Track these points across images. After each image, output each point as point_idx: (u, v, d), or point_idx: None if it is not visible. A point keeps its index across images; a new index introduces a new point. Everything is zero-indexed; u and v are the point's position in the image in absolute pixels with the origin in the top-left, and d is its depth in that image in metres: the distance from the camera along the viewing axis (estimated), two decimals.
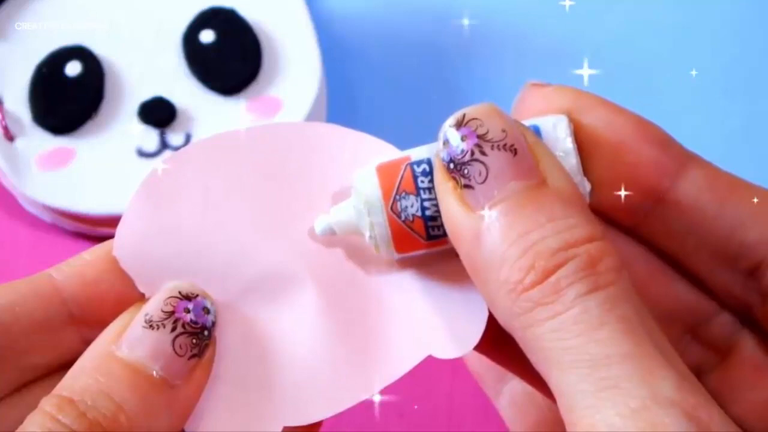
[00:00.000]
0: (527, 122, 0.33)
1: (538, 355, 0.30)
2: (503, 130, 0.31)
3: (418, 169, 0.33)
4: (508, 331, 0.31)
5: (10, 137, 0.55)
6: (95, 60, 0.56)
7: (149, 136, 0.56)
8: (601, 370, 0.29)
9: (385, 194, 0.33)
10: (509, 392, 0.44)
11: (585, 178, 0.33)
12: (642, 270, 0.36)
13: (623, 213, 0.36)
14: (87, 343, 0.33)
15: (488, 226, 0.31)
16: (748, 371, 0.36)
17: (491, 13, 0.60)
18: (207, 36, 0.57)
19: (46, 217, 0.56)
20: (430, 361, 0.49)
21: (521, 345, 0.31)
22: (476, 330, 0.34)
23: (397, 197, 0.33)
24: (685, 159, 0.35)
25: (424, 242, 0.33)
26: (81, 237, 0.56)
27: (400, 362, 0.34)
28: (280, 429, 0.34)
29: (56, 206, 0.54)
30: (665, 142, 0.35)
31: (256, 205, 0.35)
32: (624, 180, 0.35)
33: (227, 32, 0.57)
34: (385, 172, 0.33)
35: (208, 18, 0.57)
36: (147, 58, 0.57)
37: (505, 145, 0.31)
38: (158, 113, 0.56)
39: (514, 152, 0.31)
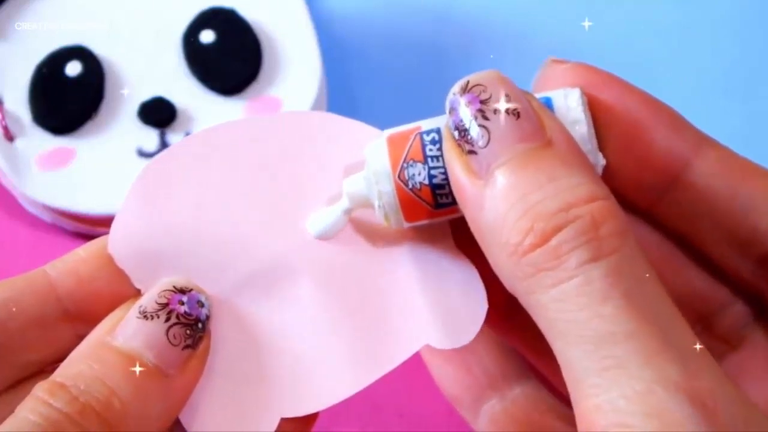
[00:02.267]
0: (539, 95, 0.33)
1: (543, 323, 0.30)
2: (506, 95, 0.31)
3: (428, 138, 0.33)
4: (513, 294, 0.31)
5: (10, 137, 0.55)
6: (95, 60, 0.56)
7: (149, 136, 0.56)
8: (606, 347, 0.28)
9: (394, 163, 0.33)
10: (489, 411, 0.44)
11: (599, 153, 0.33)
12: (655, 256, 0.36)
13: (636, 194, 0.35)
14: (82, 339, 0.33)
15: (490, 190, 0.30)
16: (759, 363, 0.36)
17: (491, 13, 0.60)
18: (207, 36, 0.57)
19: (46, 217, 0.56)
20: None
21: (526, 308, 0.31)
22: (474, 323, 0.34)
23: (405, 165, 0.33)
24: (700, 141, 0.35)
25: (432, 210, 0.33)
26: (81, 237, 0.56)
27: (397, 353, 0.34)
28: (277, 420, 0.34)
29: (56, 206, 0.54)
30: (680, 124, 0.35)
31: (252, 197, 0.35)
32: (638, 159, 0.35)
33: (227, 32, 0.57)
34: (395, 141, 0.33)
35: (208, 18, 0.57)
36: (147, 58, 0.57)
37: (507, 109, 0.31)
38: (158, 113, 0.56)
39: (517, 116, 0.31)
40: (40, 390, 0.31)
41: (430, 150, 0.33)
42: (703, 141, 0.35)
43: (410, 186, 0.33)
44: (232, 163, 0.35)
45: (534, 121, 0.31)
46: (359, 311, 0.35)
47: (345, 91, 0.59)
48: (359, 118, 0.37)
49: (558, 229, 0.29)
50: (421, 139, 0.33)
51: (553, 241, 0.29)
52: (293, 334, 0.35)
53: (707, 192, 0.35)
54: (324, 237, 0.35)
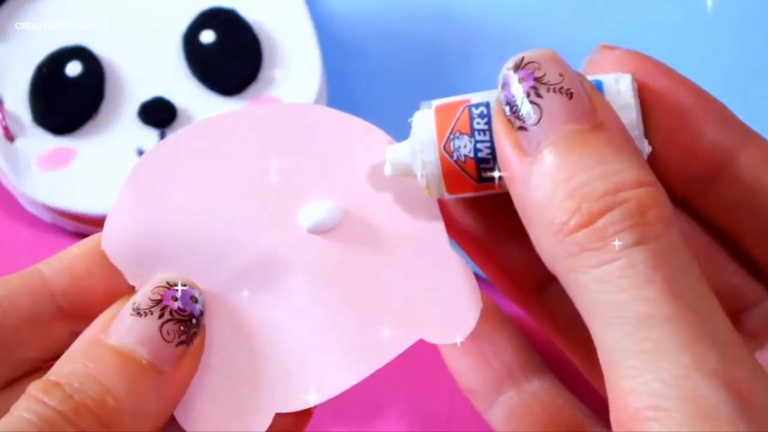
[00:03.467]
0: (590, 78, 0.33)
1: (581, 303, 0.30)
2: (560, 74, 0.31)
3: (476, 111, 0.33)
4: (553, 272, 0.31)
5: (10, 137, 0.55)
6: (95, 60, 0.56)
7: (149, 136, 0.56)
8: (644, 330, 0.29)
9: (440, 133, 0.33)
10: (506, 403, 0.44)
11: (645, 140, 0.33)
12: (692, 246, 0.36)
13: (679, 184, 0.36)
14: (76, 336, 0.33)
15: (538, 168, 0.31)
16: None
17: (491, 12, 0.60)
18: (207, 36, 0.57)
19: (46, 217, 0.56)
20: (430, 361, 0.49)
21: (565, 287, 0.31)
22: (469, 322, 0.34)
23: (451, 137, 0.33)
24: (747, 136, 0.35)
25: (475, 184, 0.33)
26: (81, 237, 0.55)
27: (389, 348, 0.35)
28: (271, 416, 0.34)
29: (56, 206, 0.54)
30: (728, 117, 0.35)
31: (246, 191, 0.35)
32: (684, 149, 0.35)
33: (227, 32, 0.57)
34: (443, 112, 0.33)
35: (208, 18, 0.57)
36: (147, 59, 0.57)
37: (561, 88, 0.31)
38: (158, 113, 0.56)
39: (570, 96, 0.31)
40: (35, 389, 0.31)
41: (478, 123, 0.33)
42: (751, 136, 0.35)
43: (455, 158, 0.33)
44: (225, 157, 0.35)
45: (586, 103, 0.31)
46: (353, 306, 0.35)
47: (345, 91, 0.59)
48: (359, 117, 0.37)
49: (605, 211, 0.30)
50: (470, 111, 0.33)
51: (600, 223, 0.30)
52: (287, 328, 0.35)
53: (752, 187, 0.35)
54: (317, 231, 0.35)
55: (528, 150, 0.31)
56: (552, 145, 0.31)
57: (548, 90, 0.31)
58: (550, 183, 0.30)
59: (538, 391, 0.44)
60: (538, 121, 0.31)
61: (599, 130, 0.31)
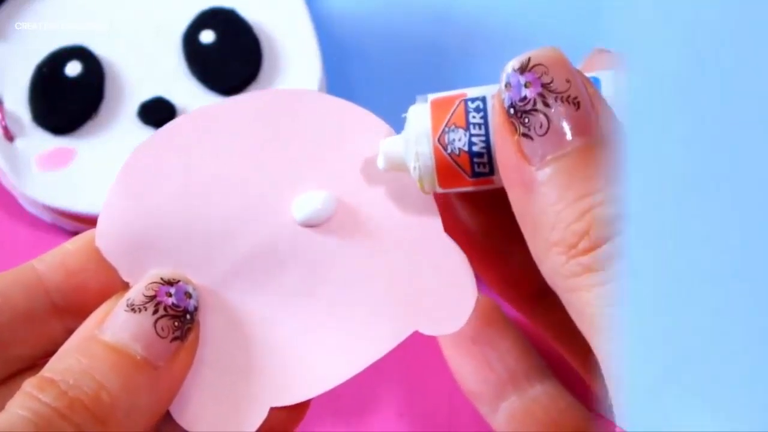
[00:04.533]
0: (588, 75, 0.33)
1: (582, 318, 0.30)
2: (567, 81, 0.31)
3: (472, 105, 0.33)
4: (551, 286, 0.31)
5: (10, 137, 0.55)
6: (95, 60, 0.56)
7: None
8: None
9: (435, 126, 0.33)
10: (509, 407, 0.44)
11: None
12: None
13: None
14: (71, 333, 0.34)
15: (544, 182, 0.30)
16: None
17: (491, 12, 0.60)
18: (207, 36, 0.57)
19: (46, 217, 0.56)
20: (430, 361, 0.49)
21: (563, 302, 0.31)
22: (464, 311, 0.34)
23: (446, 129, 0.33)
24: None
25: (468, 179, 0.33)
26: None
27: (385, 341, 0.35)
28: (267, 410, 0.34)
29: (56, 206, 0.54)
30: None
31: (240, 183, 0.35)
32: None
33: (227, 32, 0.57)
34: (439, 105, 0.33)
35: (208, 18, 0.57)
36: (147, 59, 0.57)
37: (568, 97, 0.31)
38: (158, 113, 0.56)
39: (577, 106, 0.31)
40: (30, 385, 0.31)
41: (474, 117, 0.33)
42: None
43: (449, 150, 0.33)
44: (217, 148, 0.35)
45: (590, 113, 0.31)
46: (347, 298, 0.35)
47: (345, 91, 0.59)
48: None
49: (612, 237, 0.30)
50: (466, 105, 0.33)
51: (605, 247, 0.30)
52: (282, 322, 0.35)
53: None
54: (311, 222, 0.35)
55: (532, 158, 0.31)
56: (560, 161, 0.31)
57: (556, 99, 0.31)
58: (558, 200, 0.30)
59: (540, 395, 0.44)
60: (546, 132, 0.31)
61: (605, 145, 0.31)
